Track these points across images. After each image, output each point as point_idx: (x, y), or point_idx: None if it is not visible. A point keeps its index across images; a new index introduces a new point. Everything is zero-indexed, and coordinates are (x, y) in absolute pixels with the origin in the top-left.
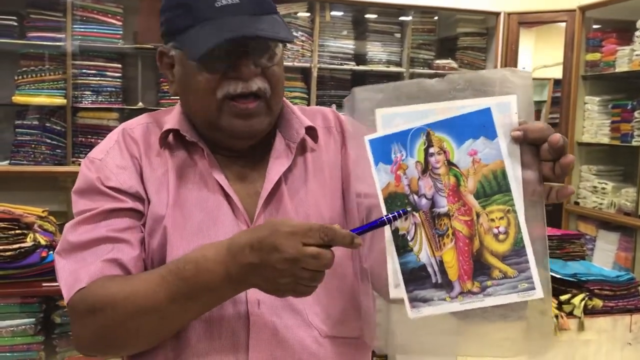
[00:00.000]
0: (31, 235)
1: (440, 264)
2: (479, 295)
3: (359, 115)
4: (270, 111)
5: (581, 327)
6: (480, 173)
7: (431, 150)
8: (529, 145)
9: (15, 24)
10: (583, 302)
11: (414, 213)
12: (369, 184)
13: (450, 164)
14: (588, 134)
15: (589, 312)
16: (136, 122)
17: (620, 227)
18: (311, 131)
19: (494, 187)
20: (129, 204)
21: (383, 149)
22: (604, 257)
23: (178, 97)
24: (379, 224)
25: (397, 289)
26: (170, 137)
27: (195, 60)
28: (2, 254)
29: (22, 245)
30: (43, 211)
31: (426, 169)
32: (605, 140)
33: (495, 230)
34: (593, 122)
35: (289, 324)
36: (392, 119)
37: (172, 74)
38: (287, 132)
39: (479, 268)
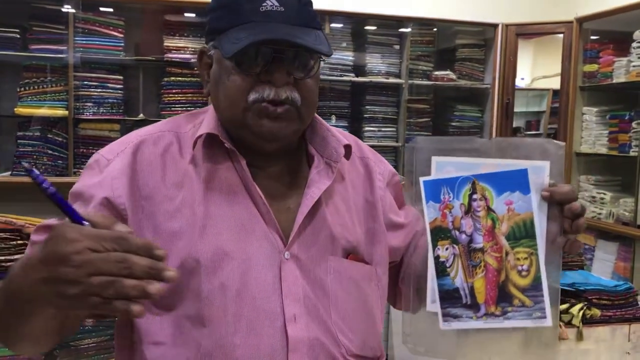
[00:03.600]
0: None
1: (471, 289)
2: (500, 318)
3: (417, 159)
4: (300, 119)
5: (580, 337)
6: (513, 220)
7: (474, 196)
8: (556, 204)
9: (18, 36)
10: (581, 312)
11: (454, 245)
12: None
13: (489, 209)
14: (586, 144)
15: (588, 321)
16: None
17: (618, 237)
18: (346, 149)
19: (522, 233)
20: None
21: (434, 189)
22: (603, 267)
23: (209, 99)
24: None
25: (434, 304)
26: (199, 145)
27: (230, 59)
28: (3, 264)
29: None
30: None
31: (468, 210)
32: (604, 150)
33: (520, 267)
34: (591, 133)
35: (323, 340)
36: (444, 166)
37: (209, 74)
38: (325, 150)
39: (503, 296)
